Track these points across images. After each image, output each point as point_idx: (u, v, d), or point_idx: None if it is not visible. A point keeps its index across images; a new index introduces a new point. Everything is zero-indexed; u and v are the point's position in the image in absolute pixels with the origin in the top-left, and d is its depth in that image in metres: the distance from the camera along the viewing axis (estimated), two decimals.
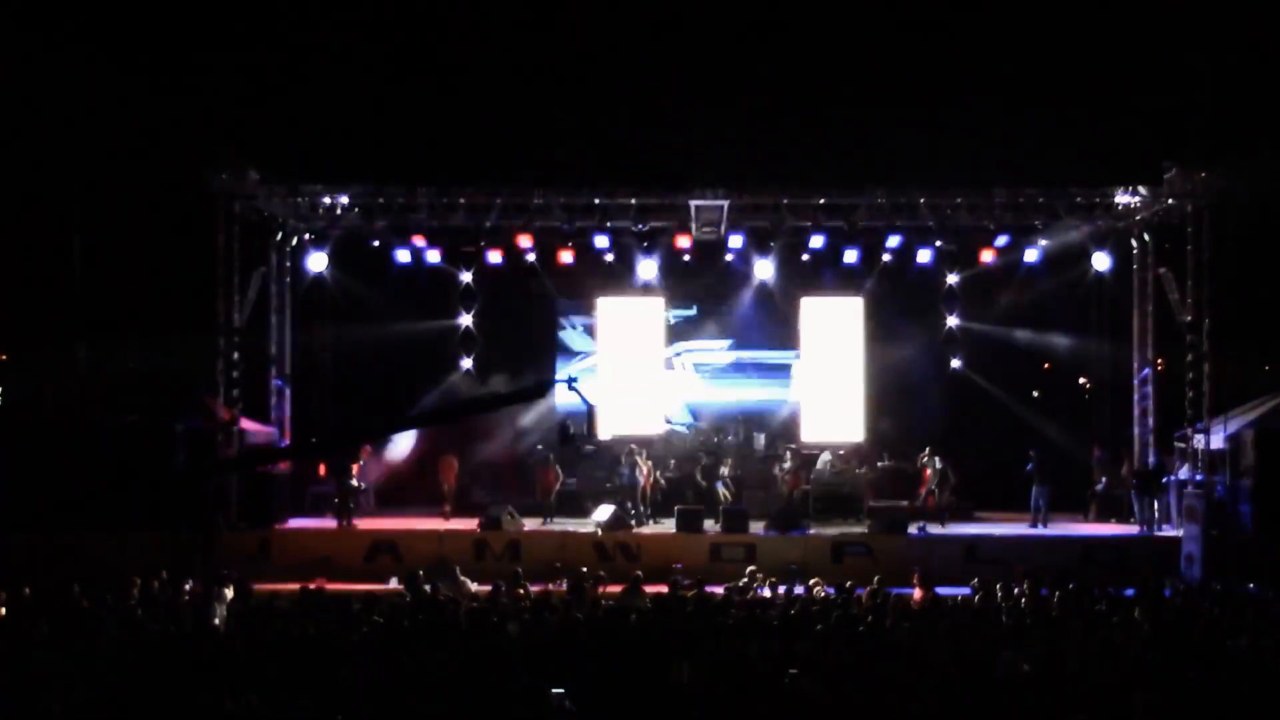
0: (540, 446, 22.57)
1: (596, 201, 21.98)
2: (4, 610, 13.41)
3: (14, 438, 20.14)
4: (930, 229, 22.60)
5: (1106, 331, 24.84)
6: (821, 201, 21.93)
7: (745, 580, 16.41)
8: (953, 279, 24.79)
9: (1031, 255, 23.43)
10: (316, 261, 23.67)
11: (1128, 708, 9.09)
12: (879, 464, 23.56)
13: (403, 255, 23.46)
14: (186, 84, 21.10)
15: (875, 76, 22.16)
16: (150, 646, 11.32)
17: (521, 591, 15.33)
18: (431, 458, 22.90)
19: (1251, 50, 20.86)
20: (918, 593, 15.28)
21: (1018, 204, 21.89)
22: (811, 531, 20.35)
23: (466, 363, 25.41)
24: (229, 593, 14.76)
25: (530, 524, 20.89)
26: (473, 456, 23.68)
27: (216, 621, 12.83)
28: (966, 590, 15.61)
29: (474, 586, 16.02)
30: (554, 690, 9.17)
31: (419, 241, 23.10)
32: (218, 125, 20.36)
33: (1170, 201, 21.27)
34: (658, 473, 22.43)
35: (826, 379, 24.47)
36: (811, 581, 16.00)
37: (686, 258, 23.76)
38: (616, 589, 15.94)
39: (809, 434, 24.14)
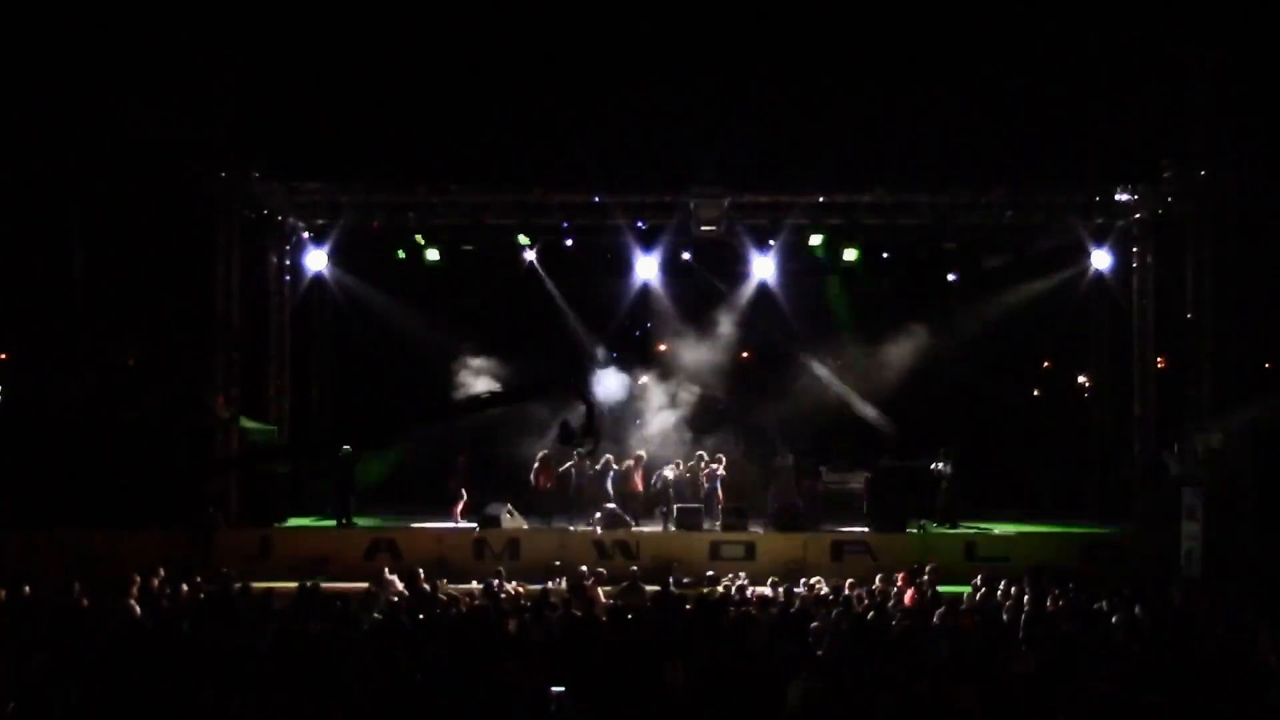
0: (543, 449, 22.48)
1: (596, 200, 22.00)
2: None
3: (14, 437, 20.14)
4: (931, 227, 22.61)
5: (1106, 330, 24.90)
6: (821, 200, 21.95)
7: (737, 581, 16.39)
8: (953, 277, 24.83)
9: (1031, 254, 23.45)
10: (316, 260, 23.71)
11: (1128, 707, 9.10)
12: (879, 463, 23.53)
13: (401, 253, 23.48)
14: (186, 83, 21.05)
15: (875, 75, 22.11)
16: (149, 645, 11.32)
17: (500, 590, 15.29)
18: (438, 458, 22.90)
19: (1251, 50, 20.83)
20: (910, 594, 15.26)
21: (1018, 203, 21.92)
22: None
23: (465, 361, 25.40)
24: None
25: (529, 523, 20.89)
26: (472, 456, 23.65)
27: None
28: (966, 589, 15.63)
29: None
30: (554, 689, 9.17)
31: (418, 240, 23.12)
32: (218, 124, 20.32)
33: (1170, 200, 21.28)
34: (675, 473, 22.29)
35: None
36: (812, 580, 16.01)
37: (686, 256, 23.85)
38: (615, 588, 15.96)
39: None
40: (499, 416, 23.50)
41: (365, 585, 15.43)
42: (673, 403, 23.68)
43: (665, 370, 24.37)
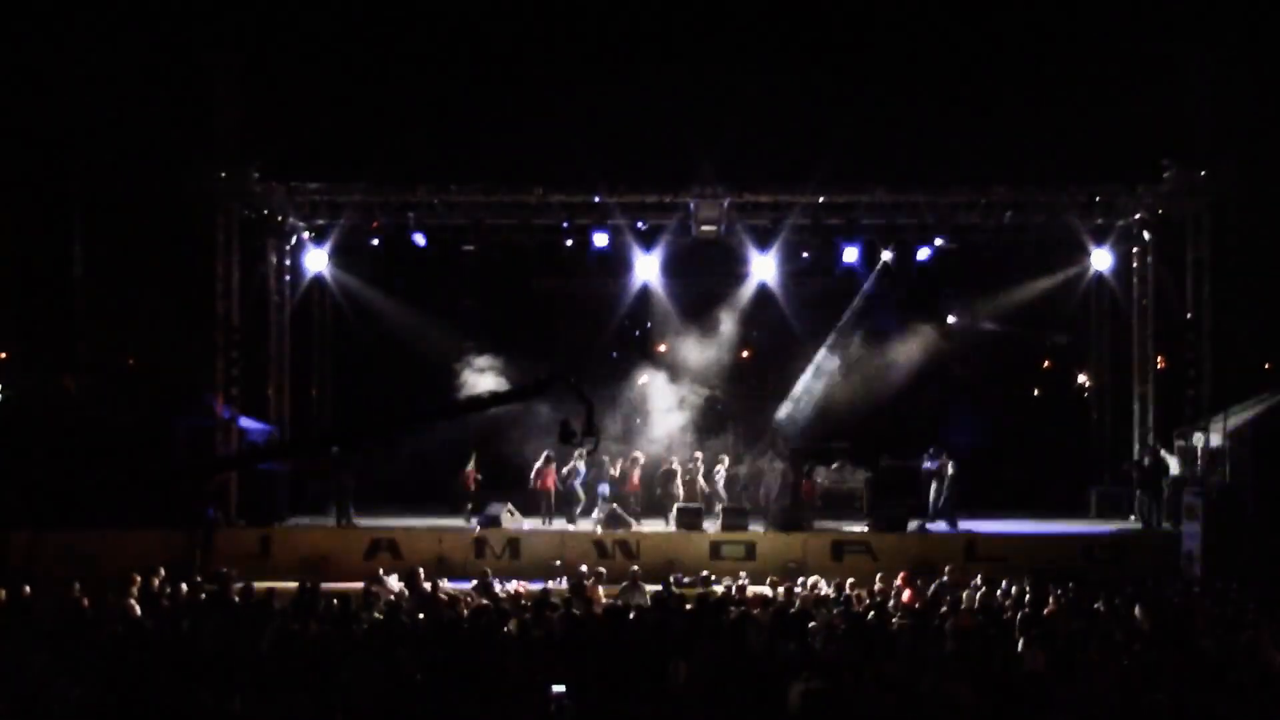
0: (545, 449, 22.48)
1: (596, 200, 21.99)
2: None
3: (14, 437, 20.13)
4: (931, 227, 22.61)
5: (1106, 329, 24.91)
6: (821, 200, 21.95)
7: (737, 581, 16.38)
8: (953, 277, 24.86)
9: (1032, 254, 23.45)
10: (316, 260, 23.70)
11: (1129, 707, 9.10)
12: (879, 463, 23.55)
13: (402, 253, 23.48)
14: (187, 82, 21.07)
15: (875, 74, 22.12)
16: (150, 645, 11.32)
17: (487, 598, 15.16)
18: (445, 458, 22.94)
19: (1251, 50, 20.84)
20: (907, 594, 15.26)
21: (1018, 202, 21.92)
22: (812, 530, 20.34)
23: (465, 361, 25.44)
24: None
25: (529, 523, 20.89)
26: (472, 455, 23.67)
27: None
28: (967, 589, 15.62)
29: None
30: (554, 689, 9.17)
31: (418, 240, 23.13)
32: (218, 124, 20.31)
33: (1170, 200, 21.29)
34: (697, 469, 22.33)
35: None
36: (811, 580, 16.02)
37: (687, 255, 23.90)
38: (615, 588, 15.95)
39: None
40: (503, 416, 23.52)
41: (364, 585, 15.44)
42: (673, 403, 23.68)
43: (665, 370, 24.35)
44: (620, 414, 23.89)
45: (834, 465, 22.87)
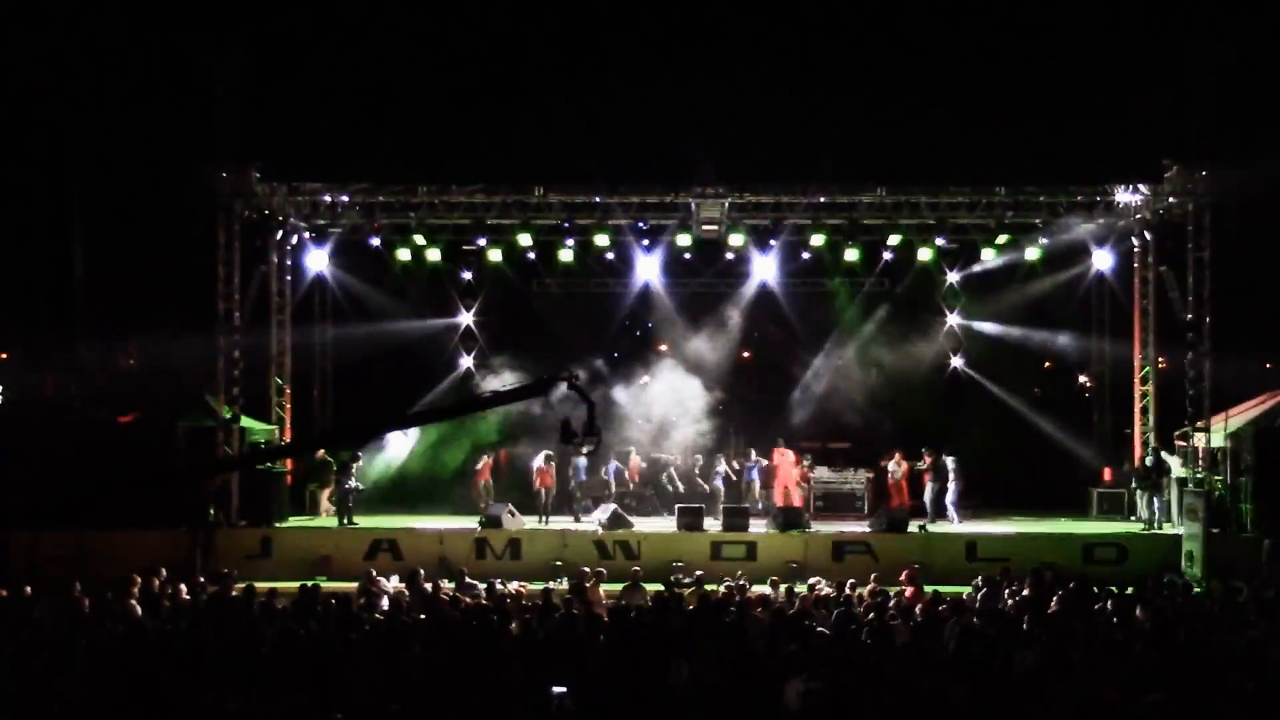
0: (547, 450, 22.49)
1: (597, 200, 22.02)
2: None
3: (14, 437, 20.13)
4: (931, 227, 22.63)
5: (1107, 330, 24.93)
6: (822, 200, 21.97)
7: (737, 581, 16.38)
8: (954, 277, 24.89)
9: (1032, 254, 23.47)
10: (317, 260, 23.75)
11: (1129, 707, 9.10)
12: (880, 463, 23.52)
13: (403, 254, 23.51)
14: (188, 82, 21.05)
15: (876, 74, 22.08)
16: (150, 645, 11.32)
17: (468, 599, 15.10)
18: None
19: (1251, 49, 20.81)
20: (909, 592, 15.24)
21: (1018, 202, 21.97)
22: (812, 529, 20.34)
23: (467, 361, 25.48)
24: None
25: (530, 522, 20.89)
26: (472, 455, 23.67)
27: None
28: (968, 589, 15.63)
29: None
30: (555, 689, 9.17)
31: (419, 240, 23.14)
32: (219, 124, 20.30)
33: (1171, 200, 21.30)
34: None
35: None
36: (812, 580, 16.01)
37: (687, 255, 23.94)
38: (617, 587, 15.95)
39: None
40: (498, 416, 23.53)
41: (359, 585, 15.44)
42: (674, 403, 23.68)
43: (666, 370, 24.36)
44: (621, 414, 23.89)
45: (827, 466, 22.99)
